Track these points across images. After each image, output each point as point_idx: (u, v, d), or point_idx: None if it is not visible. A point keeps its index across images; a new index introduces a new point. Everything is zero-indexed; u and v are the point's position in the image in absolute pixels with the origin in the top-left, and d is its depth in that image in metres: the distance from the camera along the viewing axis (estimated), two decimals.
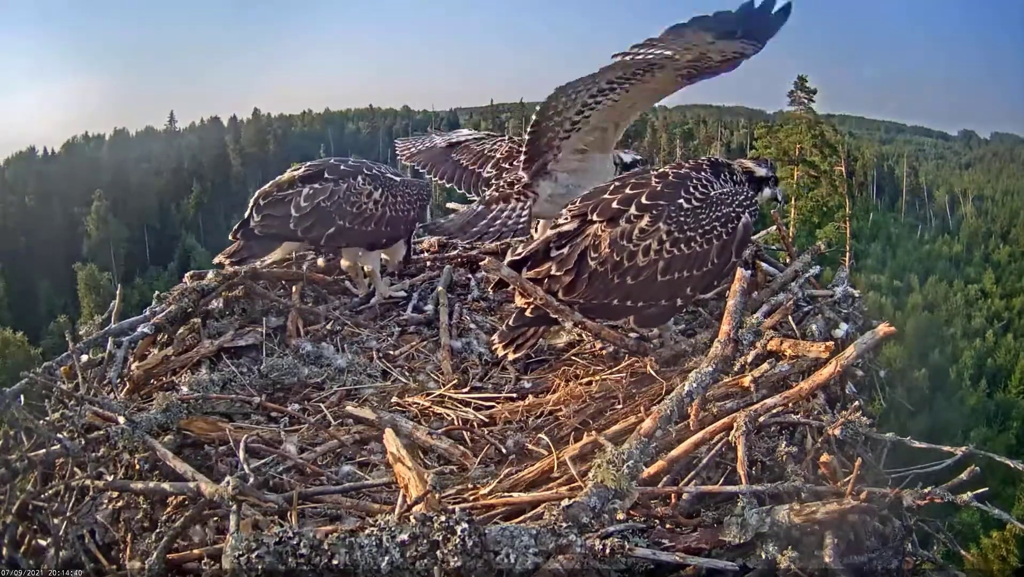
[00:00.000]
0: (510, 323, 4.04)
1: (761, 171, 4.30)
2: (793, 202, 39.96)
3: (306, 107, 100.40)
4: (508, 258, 4.27)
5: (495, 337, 4.21)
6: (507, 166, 5.65)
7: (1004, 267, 55.31)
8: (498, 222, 5.14)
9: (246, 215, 4.88)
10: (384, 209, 4.94)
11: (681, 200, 3.93)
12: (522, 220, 5.14)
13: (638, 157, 5.64)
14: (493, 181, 5.57)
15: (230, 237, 4.90)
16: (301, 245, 5.03)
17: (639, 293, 3.90)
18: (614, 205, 3.95)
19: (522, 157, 5.19)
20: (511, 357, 4.13)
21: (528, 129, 5.03)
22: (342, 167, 4.97)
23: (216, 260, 4.84)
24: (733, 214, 3.99)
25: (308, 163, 5.10)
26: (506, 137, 6.25)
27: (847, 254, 35.96)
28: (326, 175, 4.90)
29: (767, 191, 4.36)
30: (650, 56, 4.13)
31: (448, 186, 6.19)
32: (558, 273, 3.92)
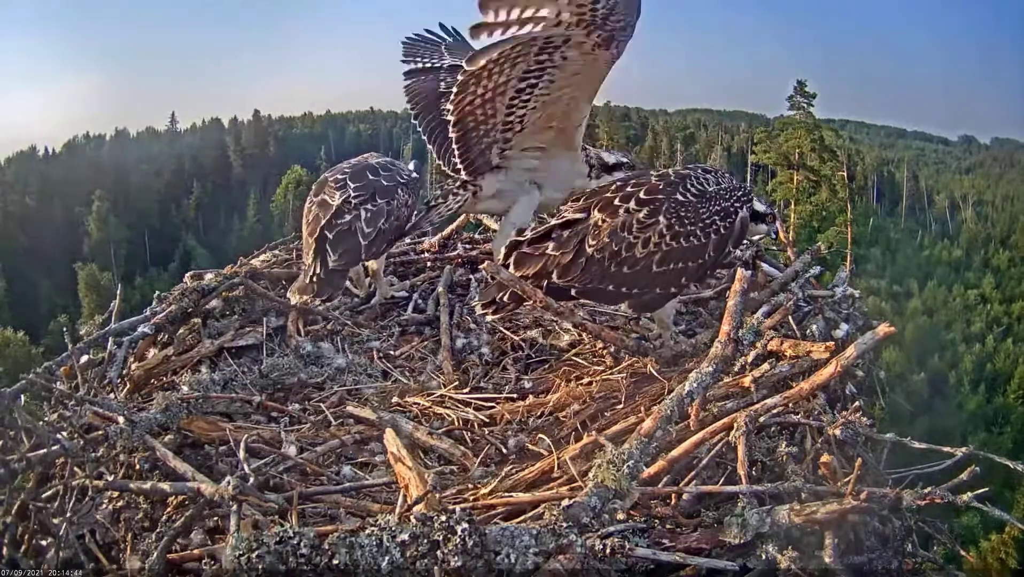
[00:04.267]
0: (504, 297, 4.08)
1: (761, 207, 4.36)
2: (793, 207, 40.02)
3: (307, 109, 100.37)
4: (509, 239, 4.29)
5: (475, 298, 4.32)
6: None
7: (1004, 272, 55.20)
8: (433, 217, 5.24)
9: (316, 256, 4.66)
10: (412, 208, 5.12)
11: (679, 195, 4.02)
12: (448, 212, 5.22)
13: (624, 160, 5.28)
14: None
15: (310, 280, 4.62)
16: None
17: (634, 281, 3.99)
18: (615, 202, 4.02)
19: (457, 160, 5.01)
20: (490, 318, 4.29)
21: (454, 136, 4.86)
22: (384, 182, 4.91)
23: (298, 302, 4.70)
24: (732, 209, 4.09)
25: (349, 176, 4.91)
26: None
27: (847, 259, 35.93)
28: (377, 198, 4.84)
29: (763, 226, 4.43)
30: (527, 28, 3.99)
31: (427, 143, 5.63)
32: (555, 254, 4.00)
